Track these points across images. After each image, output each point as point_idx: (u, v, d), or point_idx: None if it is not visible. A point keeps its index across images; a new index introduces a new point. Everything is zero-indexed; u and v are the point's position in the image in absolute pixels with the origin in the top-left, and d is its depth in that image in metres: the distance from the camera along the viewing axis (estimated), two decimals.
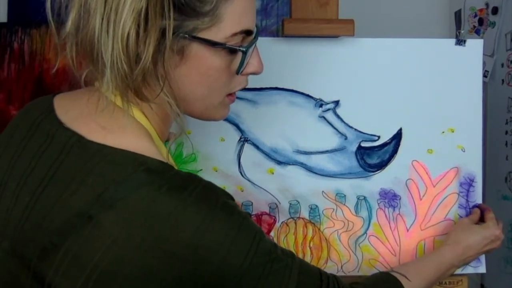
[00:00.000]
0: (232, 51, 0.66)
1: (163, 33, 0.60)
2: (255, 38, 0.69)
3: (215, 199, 0.62)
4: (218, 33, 0.63)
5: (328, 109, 1.04)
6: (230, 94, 0.72)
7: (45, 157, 0.64)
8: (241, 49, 0.65)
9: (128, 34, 0.58)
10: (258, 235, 0.64)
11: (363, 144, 1.05)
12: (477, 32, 1.45)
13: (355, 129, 1.04)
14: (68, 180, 0.61)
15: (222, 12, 0.63)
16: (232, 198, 0.66)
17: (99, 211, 0.59)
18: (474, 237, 0.96)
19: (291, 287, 0.66)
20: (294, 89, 1.04)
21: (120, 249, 0.58)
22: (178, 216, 0.59)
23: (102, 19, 0.59)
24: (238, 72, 0.67)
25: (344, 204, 1.04)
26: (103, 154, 0.61)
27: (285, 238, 1.04)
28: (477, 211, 1.03)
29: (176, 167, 0.64)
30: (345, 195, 1.04)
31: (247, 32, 0.66)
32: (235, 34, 0.65)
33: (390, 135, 1.05)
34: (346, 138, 1.04)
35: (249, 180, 1.04)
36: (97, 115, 0.64)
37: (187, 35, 0.62)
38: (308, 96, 1.04)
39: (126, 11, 0.58)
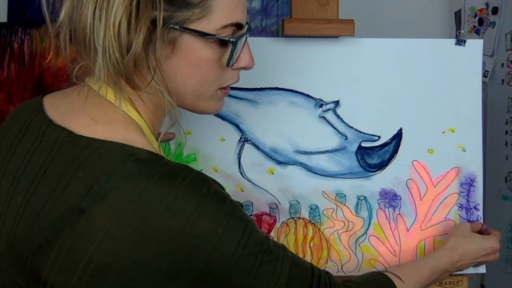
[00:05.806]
0: (223, 43, 0.66)
1: (154, 23, 0.61)
2: (246, 32, 0.69)
3: (207, 187, 0.62)
4: (208, 25, 0.64)
5: (328, 109, 1.04)
6: (223, 88, 0.72)
7: (36, 155, 0.64)
8: (231, 40, 0.66)
9: (120, 22, 0.59)
10: (250, 225, 0.64)
11: (364, 144, 1.04)
12: (477, 32, 1.45)
13: (355, 129, 1.04)
14: (60, 175, 0.61)
15: (213, 4, 0.64)
16: (223, 189, 0.66)
17: (91, 203, 0.59)
18: (472, 245, 0.96)
19: (282, 279, 0.66)
20: (294, 89, 1.04)
21: (113, 240, 0.58)
22: (169, 204, 0.59)
23: (95, 8, 0.60)
24: (228, 64, 0.68)
25: (344, 204, 1.04)
26: (92, 147, 0.61)
27: (285, 238, 1.04)
28: (479, 224, 1.02)
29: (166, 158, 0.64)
30: (345, 195, 1.04)
31: (238, 26, 0.67)
32: (225, 26, 0.66)
33: (390, 135, 1.05)
34: (346, 138, 1.04)
35: (249, 180, 1.04)
36: (88, 108, 0.65)
37: (177, 26, 0.63)
38: (308, 96, 1.04)
39: (118, 1, 0.59)
